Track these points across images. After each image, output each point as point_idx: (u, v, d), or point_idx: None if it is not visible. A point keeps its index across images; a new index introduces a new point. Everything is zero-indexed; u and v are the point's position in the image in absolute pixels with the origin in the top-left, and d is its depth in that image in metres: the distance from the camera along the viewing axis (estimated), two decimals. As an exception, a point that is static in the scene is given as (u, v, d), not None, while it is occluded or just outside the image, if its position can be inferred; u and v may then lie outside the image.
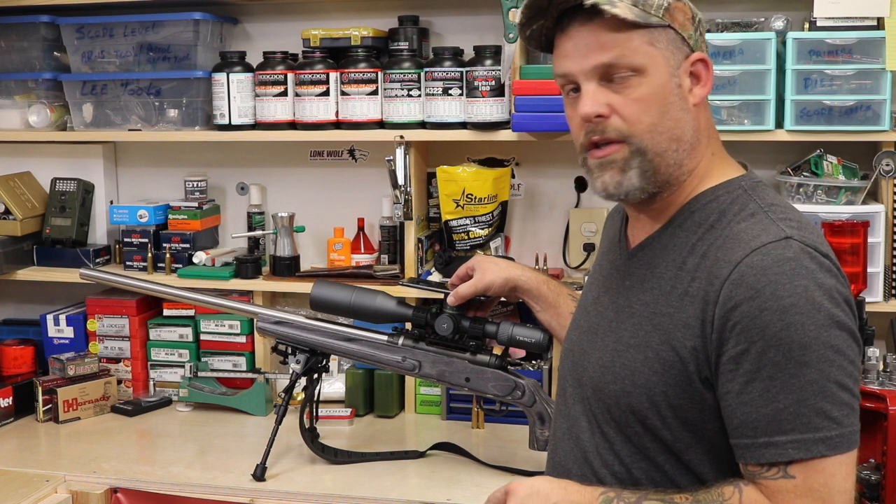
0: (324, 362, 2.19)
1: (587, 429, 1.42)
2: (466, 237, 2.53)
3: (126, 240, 2.78)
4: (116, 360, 2.75)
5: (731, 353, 1.25)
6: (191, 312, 2.70)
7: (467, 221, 2.53)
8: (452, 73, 2.46)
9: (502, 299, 1.97)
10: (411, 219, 2.53)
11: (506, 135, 2.45)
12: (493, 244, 2.59)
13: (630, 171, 1.34)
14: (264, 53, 2.65)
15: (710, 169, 1.38)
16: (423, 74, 2.50)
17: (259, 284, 2.65)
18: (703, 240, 1.32)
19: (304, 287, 2.45)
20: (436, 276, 2.51)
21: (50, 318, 2.79)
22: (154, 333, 2.73)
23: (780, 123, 2.29)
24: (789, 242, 1.25)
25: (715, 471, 1.32)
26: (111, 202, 2.90)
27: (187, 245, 2.73)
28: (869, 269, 2.21)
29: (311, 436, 2.22)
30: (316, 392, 2.23)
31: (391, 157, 2.47)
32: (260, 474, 2.13)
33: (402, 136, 2.48)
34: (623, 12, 1.29)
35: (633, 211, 1.44)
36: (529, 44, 1.43)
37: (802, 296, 1.22)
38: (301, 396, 2.29)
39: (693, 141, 1.35)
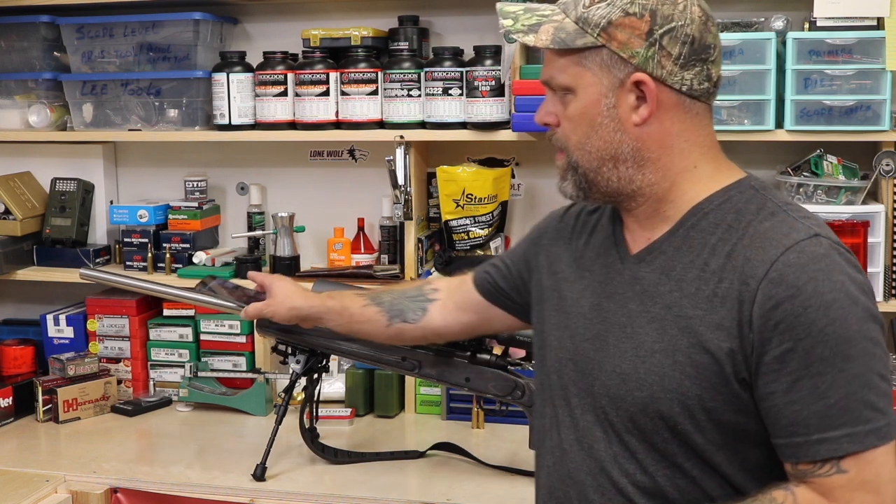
0: (324, 362, 2.20)
1: (603, 438, 1.38)
2: (466, 237, 2.53)
3: (126, 240, 2.78)
4: (116, 360, 2.75)
5: (776, 353, 1.25)
6: (191, 312, 2.70)
7: (467, 221, 2.53)
8: (452, 73, 2.46)
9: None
10: (411, 219, 2.53)
11: (506, 135, 2.45)
12: (493, 244, 2.59)
13: (566, 180, 1.40)
14: (264, 53, 2.65)
15: (713, 174, 1.37)
16: (423, 74, 2.50)
17: (259, 284, 2.65)
18: (723, 240, 1.32)
19: (304, 287, 2.44)
20: (435, 277, 2.51)
21: (50, 318, 2.79)
22: (154, 333, 2.73)
23: (780, 123, 2.29)
24: (819, 240, 1.27)
25: (743, 472, 1.31)
26: (111, 202, 2.90)
27: (187, 245, 2.73)
28: (869, 269, 2.21)
29: (311, 436, 2.22)
30: (316, 392, 2.23)
31: (391, 157, 2.47)
32: (260, 474, 2.13)
33: (402, 136, 2.48)
34: (534, 40, 1.33)
35: (629, 217, 1.43)
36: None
37: (842, 290, 1.24)
38: (301, 396, 2.29)
39: (638, 159, 1.35)
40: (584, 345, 1.42)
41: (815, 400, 1.23)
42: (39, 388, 2.53)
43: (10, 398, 2.53)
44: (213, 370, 2.65)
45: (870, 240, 2.21)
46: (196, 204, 2.79)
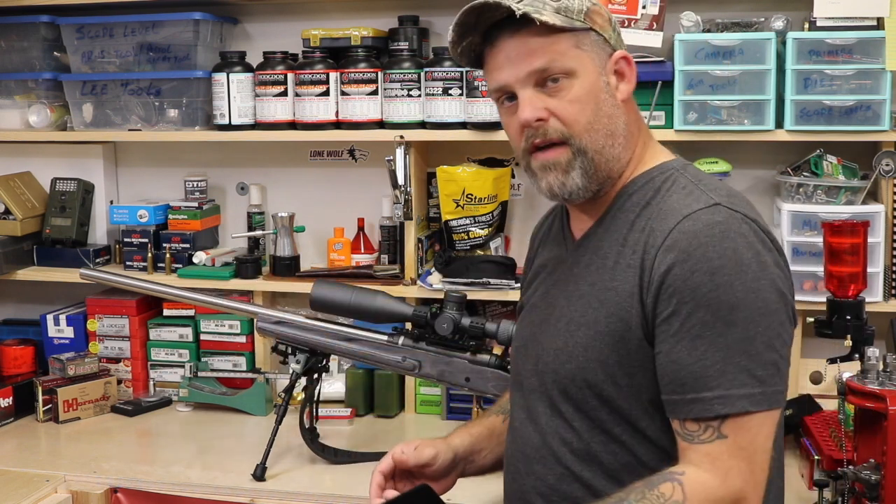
0: (324, 362, 2.20)
1: (545, 413, 1.46)
2: (466, 237, 2.53)
3: (126, 240, 2.78)
4: (116, 360, 2.75)
5: (664, 315, 1.31)
6: (191, 312, 2.70)
7: (467, 221, 2.53)
8: (452, 73, 2.46)
9: None
10: (411, 219, 2.53)
11: (505, 135, 2.45)
12: (492, 244, 2.59)
13: (573, 171, 1.40)
14: (264, 53, 2.65)
15: (643, 156, 1.46)
16: (423, 74, 2.50)
17: (259, 284, 2.65)
18: (640, 216, 1.39)
19: (304, 287, 2.45)
20: (435, 277, 2.51)
21: (50, 318, 2.79)
22: (154, 333, 2.73)
23: (780, 123, 2.29)
24: (718, 208, 1.32)
25: (665, 433, 1.36)
26: (111, 202, 2.90)
27: (187, 245, 2.73)
28: (869, 269, 2.20)
29: (311, 436, 2.22)
30: (316, 392, 2.24)
31: (391, 157, 2.47)
32: (260, 474, 2.13)
33: (402, 136, 2.48)
34: (551, 18, 1.36)
35: (575, 208, 1.50)
36: (461, 61, 1.50)
37: (731, 257, 1.28)
38: (301, 396, 2.29)
39: (626, 134, 1.43)
40: (533, 331, 1.52)
41: (693, 361, 1.28)
42: (39, 388, 2.53)
43: (10, 398, 2.53)
44: (213, 370, 2.65)
45: (870, 240, 2.20)
46: (196, 204, 2.79)
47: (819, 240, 2.18)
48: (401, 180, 2.48)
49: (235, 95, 2.62)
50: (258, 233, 2.78)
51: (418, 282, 2.52)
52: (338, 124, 2.58)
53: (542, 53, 1.38)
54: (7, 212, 2.76)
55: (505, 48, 1.41)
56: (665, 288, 1.31)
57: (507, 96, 1.44)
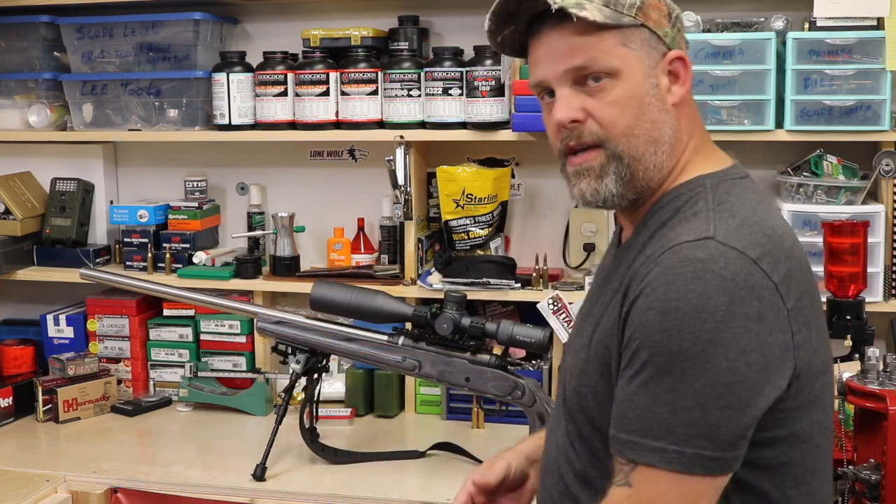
0: (324, 362, 2.20)
1: (559, 426, 1.42)
2: (466, 237, 2.53)
3: (126, 240, 2.78)
4: (116, 360, 2.75)
5: (623, 346, 1.23)
6: (191, 312, 2.70)
7: (467, 221, 2.53)
8: (452, 73, 2.46)
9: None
10: (411, 219, 2.53)
11: (506, 135, 2.45)
12: (492, 244, 2.59)
13: (606, 177, 1.30)
14: (264, 53, 2.65)
15: (686, 166, 1.33)
16: (423, 74, 2.50)
17: (259, 284, 2.65)
18: (654, 237, 1.28)
19: (304, 287, 2.45)
20: (435, 277, 2.51)
21: (50, 318, 2.79)
22: (154, 333, 2.73)
23: (780, 123, 2.29)
24: (706, 243, 1.18)
25: None
26: (111, 202, 2.90)
27: (187, 245, 2.73)
28: (869, 269, 2.20)
29: (311, 436, 2.22)
30: (316, 392, 2.24)
31: (391, 157, 2.47)
32: (260, 474, 2.13)
33: (402, 136, 2.48)
34: (592, 14, 1.25)
35: (620, 215, 1.41)
36: (502, 51, 1.39)
37: (692, 301, 1.14)
38: (301, 396, 2.29)
39: (672, 142, 1.31)
40: (571, 338, 1.47)
41: (624, 398, 1.20)
42: (39, 388, 2.53)
43: (10, 398, 2.53)
44: (213, 370, 2.65)
45: (870, 240, 2.20)
46: (196, 204, 2.79)
47: (819, 240, 2.18)
48: (401, 180, 2.48)
49: (235, 95, 2.62)
50: (258, 233, 2.78)
51: (418, 282, 2.52)
52: (338, 124, 2.58)
53: (583, 51, 1.27)
54: (7, 212, 2.76)
55: (546, 42, 1.30)
56: (629, 319, 1.21)
57: (546, 92, 1.33)
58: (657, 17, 1.30)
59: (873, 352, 1.89)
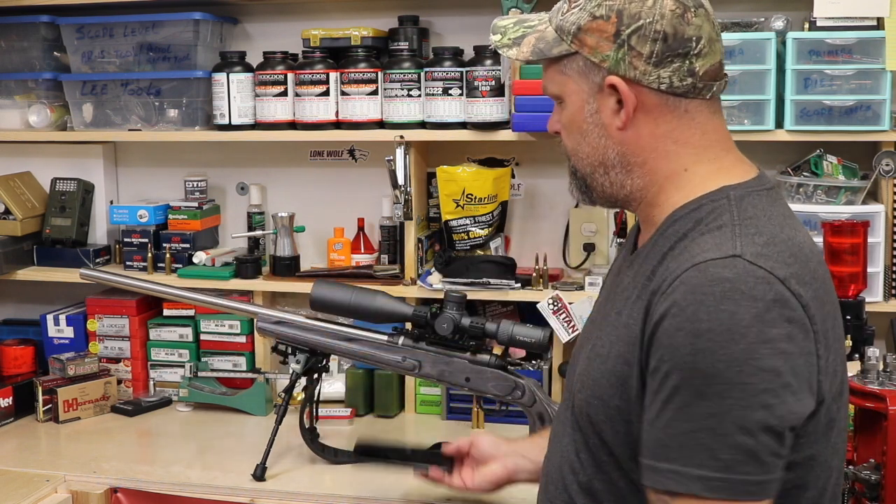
0: (324, 362, 2.20)
1: (565, 434, 1.39)
2: (466, 237, 2.53)
3: (126, 240, 2.78)
4: (116, 360, 2.75)
5: (650, 369, 1.19)
6: (191, 312, 2.69)
7: (467, 221, 2.53)
8: (452, 73, 2.46)
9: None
10: (411, 219, 2.53)
11: (506, 135, 2.45)
12: (492, 244, 2.59)
13: (571, 185, 1.41)
14: (264, 53, 2.65)
15: (695, 178, 1.31)
16: (423, 74, 2.50)
17: (259, 284, 2.65)
18: (673, 249, 1.25)
19: (304, 287, 2.45)
20: (435, 277, 2.51)
21: (50, 318, 2.79)
22: (154, 333, 2.73)
23: (780, 123, 2.29)
24: (735, 261, 1.16)
25: None
26: (111, 202, 2.90)
27: (187, 245, 2.73)
28: (869, 269, 2.20)
29: (311, 436, 2.22)
30: (316, 392, 2.23)
31: (391, 157, 2.47)
32: (260, 474, 2.13)
33: (402, 136, 2.49)
34: (517, 53, 1.34)
35: (636, 212, 1.41)
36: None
37: (724, 322, 1.12)
38: (301, 396, 2.29)
39: (624, 164, 1.31)
40: (581, 343, 1.45)
41: (660, 426, 1.16)
42: (39, 388, 2.53)
43: (10, 398, 2.53)
44: (213, 370, 2.65)
45: (870, 240, 2.20)
46: (196, 204, 2.79)
47: (819, 240, 2.18)
48: (401, 180, 2.48)
49: (235, 95, 2.62)
50: (258, 233, 2.78)
51: (418, 282, 2.52)
52: (338, 124, 2.58)
53: (544, 75, 1.37)
54: (7, 212, 2.76)
55: None
56: (655, 340, 1.18)
57: None
58: (594, 42, 1.28)
59: (873, 352, 1.89)
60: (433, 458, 1.93)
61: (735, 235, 1.20)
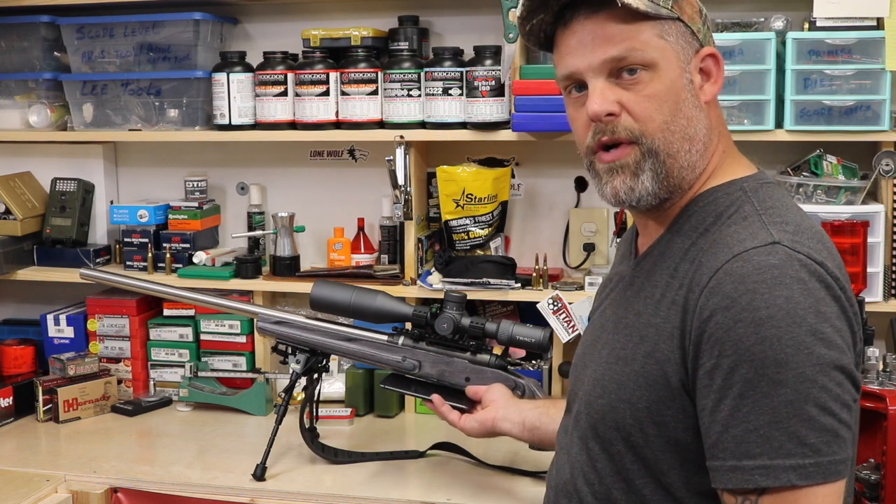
0: (324, 362, 2.20)
1: (575, 444, 1.36)
2: (466, 237, 2.53)
3: (126, 240, 2.78)
4: (116, 360, 2.75)
5: (706, 367, 1.16)
6: (191, 312, 2.70)
7: (467, 221, 2.53)
8: (452, 73, 2.46)
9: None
10: (411, 219, 2.53)
11: (506, 135, 2.45)
12: (493, 244, 2.59)
13: (642, 174, 1.25)
14: (264, 53, 2.65)
15: (717, 169, 1.30)
16: (423, 74, 2.50)
17: (259, 284, 2.65)
18: (695, 245, 1.24)
19: (304, 287, 2.45)
20: (435, 277, 2.51)
21: (50, 318, 2.79)
22: (154, 333, 2.74)
23: (779, 123, 2.29)
24: (775, 248, 1.15)
25: (698, 499, 1.23)
26: (111, 202, 2.90)
27: (187, 245, 2.73)
28: (869, 269, 2.21)
29: (311, 436, 2.22)
30: (316, 392, 2.23)
31: (391, 157, 2.47)
32: (260, 474, 2.13)
33: (402, 136, 2.49)
34: (634, 2, 1.21)
35: (640, 218, 1.37)
36: (528, 40, 1.34)
37: (782, 307, 1.11)
38: (301, 396, 2.29)
39: (706, 140, 1.28)
40: (584, 351, 1.43)
41: (736, 423, 1.13)
42: (40, 388, 2.53)
43: (11, 398, 2.53)
44: (213, 370, 2.65)
45: (869, 240, 2.21)
46: (196, 204, 2.79)
47: (819, 240, 2.18)
48: (401, 180, 2.48)
49: (235, 95, 2.62)
50: (258, 233, 2.78)
51: (418, 282, 2.52)
52: (338, 124, 2.58)
53: (621, 40, 1.23)
54: (7, 212, 2.76)
55: (579, 31, 1.25)
56: (707, 337, 1.15)
57: (575, 85, 1.29)
58: (690, 13, 1.27)
59: (873, 352, 1.90)
60: (456, 396, 2.00)
61: (765, 224, 1.20)
